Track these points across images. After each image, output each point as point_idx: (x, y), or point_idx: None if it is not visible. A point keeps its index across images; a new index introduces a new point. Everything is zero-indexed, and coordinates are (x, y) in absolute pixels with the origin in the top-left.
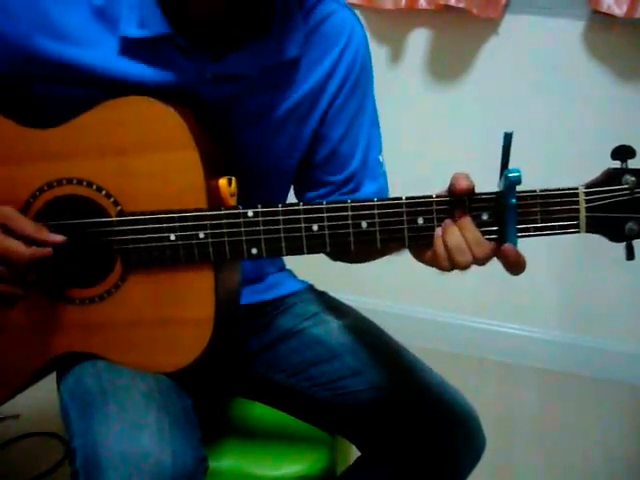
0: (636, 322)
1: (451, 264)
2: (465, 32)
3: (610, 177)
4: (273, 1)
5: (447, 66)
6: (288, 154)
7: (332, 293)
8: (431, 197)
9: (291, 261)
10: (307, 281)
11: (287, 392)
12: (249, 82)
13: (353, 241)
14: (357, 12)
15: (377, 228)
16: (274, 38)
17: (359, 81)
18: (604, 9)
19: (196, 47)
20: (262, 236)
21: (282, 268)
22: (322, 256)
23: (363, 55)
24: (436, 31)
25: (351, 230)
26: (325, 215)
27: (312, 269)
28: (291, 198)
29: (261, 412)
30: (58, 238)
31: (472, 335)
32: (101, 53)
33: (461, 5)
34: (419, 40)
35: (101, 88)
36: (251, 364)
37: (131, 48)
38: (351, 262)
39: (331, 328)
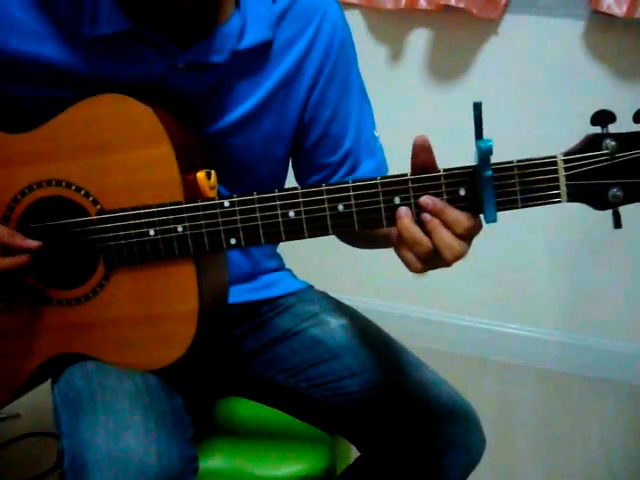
0: (636, 322)
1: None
2: (465, 32)
3: (589, 143)
4: None
5: (447, 66)
6: (274, 142)
7: (332, 293)
8: (406, 175)
9: (291, 261)
10: (307, 281)
11: (286, 392)
12: (222, 70)
13: (331, 224)
14: (357, 12)
15: (354, 209)
16: (243, 22)
17: (340, 59)
18: (604, 9)
19: (162, 38)
20: (239, 225)
21: (281, 267)
22: (322, 256)
23: (341, 32)
24: (436, 31)
25: (328, 213)
26: (301, 200)
27: (312, 269)
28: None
29: (260, 412)
30: (33, 244)
31: (472, 335)
32: (72, 53)
33: (461, 5)
34: (419, 40)
35: (76, 88)
36: (249, 364)
37: (98, 47)
38: (355, 246)
39: (330, 329)
